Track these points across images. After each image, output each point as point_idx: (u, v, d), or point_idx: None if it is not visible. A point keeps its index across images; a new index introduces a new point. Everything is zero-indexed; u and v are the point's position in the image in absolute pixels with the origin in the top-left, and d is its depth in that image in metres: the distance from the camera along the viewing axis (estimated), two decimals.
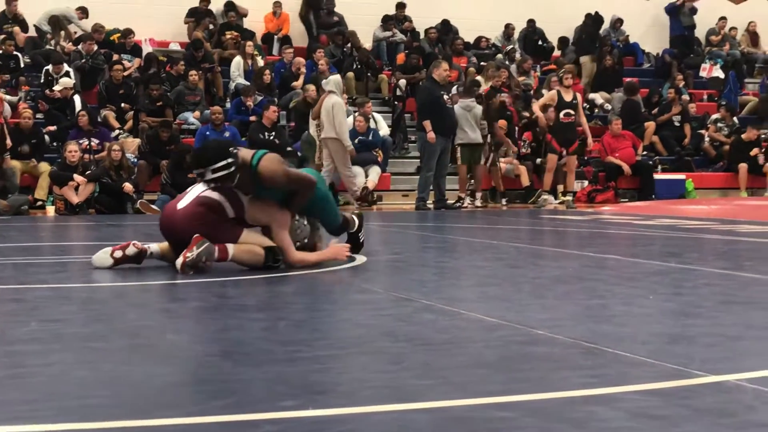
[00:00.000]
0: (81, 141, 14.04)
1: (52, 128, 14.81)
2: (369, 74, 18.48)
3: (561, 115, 14.67)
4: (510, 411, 2.67)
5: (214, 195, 5.92)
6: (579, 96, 15.17)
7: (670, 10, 21.28)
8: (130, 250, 6.10)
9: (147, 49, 17.79)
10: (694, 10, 21.22)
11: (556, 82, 17.70)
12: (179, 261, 5.75)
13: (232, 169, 5.78)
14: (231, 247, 5.88)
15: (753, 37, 22.23)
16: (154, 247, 6.20)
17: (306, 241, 6.32)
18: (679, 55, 20.92)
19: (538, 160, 15.91)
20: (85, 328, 4.20)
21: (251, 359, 3.45)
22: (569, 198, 14.96)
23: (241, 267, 5.93)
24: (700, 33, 21.83)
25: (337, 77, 14.91)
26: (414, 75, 17.78)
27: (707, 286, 5.63)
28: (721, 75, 20.58)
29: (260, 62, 17.68)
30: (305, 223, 6.30)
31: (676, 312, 4.64)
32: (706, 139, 18.21)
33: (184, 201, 6.01)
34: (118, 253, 6.07)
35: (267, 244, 5.94)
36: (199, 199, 5.93)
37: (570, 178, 15.11)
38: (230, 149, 5.86)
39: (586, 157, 16.96)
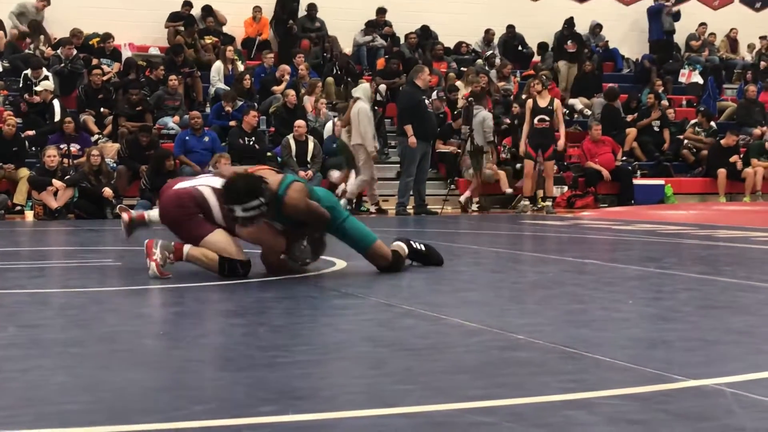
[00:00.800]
0: (61, 146, 14.01)
1: (31, 133, 14.73)
2: (349, 79, 18.48)
3: (535, 120, 14.76)
4: (489, 416, 2.67)
5: (212, 198, 5.91)
6: (557, 102, 15.22)
7: (653, 11, 21.34)
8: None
9: (126, 53, 17.72)
10: (676, 16, 21.31)
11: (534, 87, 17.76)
12: (153, 269, 5.75)
13: (263, 209, 5.61)
14: (187, 248, 5.90)
15: (732, 43, 22.36)
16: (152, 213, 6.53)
17: (308, 263, 6.19)
18: (658, 61, 21.01)
19: (518, 166, 15.95)
20: (63, 333, 4.18)
21: (231, 364, 3.45)
22: (548, 203, 15.00)
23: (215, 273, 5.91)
24: (680, 39, 21.93)
25: (366, 85, 15.39)
26: (394, 80, 17.79)
27: (686, 291, 5.65)
28: (700, 81, 20.68)
29: (240, 67, 17.67)
30: (305, 243, 6.17)
31: (655, 317, 4.65)
32: (685, 142, 18.27)
33: (184, 184, 6.08)
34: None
35: (227, 253, 5.88)
36: (195, 191, 5.95)
37: (548, 184, 15.15)
38: (262, 186, 5.59)
39: (565, 162, 17.03)
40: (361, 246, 6.16)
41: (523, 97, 17.00)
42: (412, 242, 6.48)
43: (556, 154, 15.32)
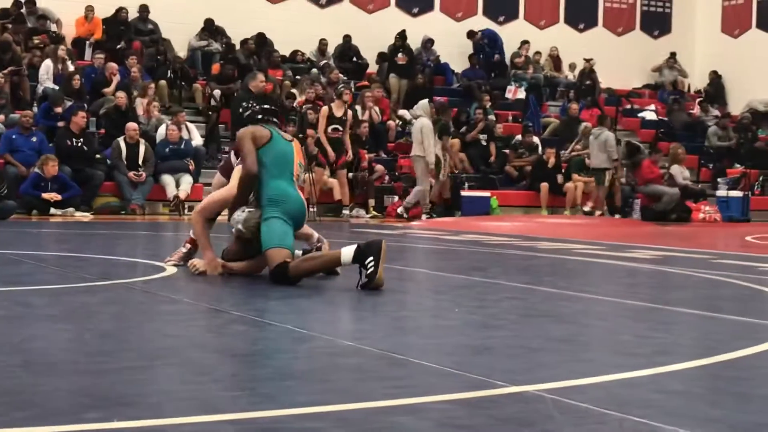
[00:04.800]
0: None
1: None
2: (183, 83, 18.25)
3: (329, 129, 15.11)
4: (317, 421, 2.67)
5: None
6: (350, 112, 15.52)
7: (488, 34, 21.89)
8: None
9: None
10: (495, 45, 21.89)
11: (369, 97, 17.96)
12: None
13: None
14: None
15: (556, 61, 23.03)
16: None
17: (240, 230, 6.12)
18: (482, 77, 21.44)
19: (350, 175, 16.07)
20: None
21: (55, 370, 3.34)
22: (345, 211, 15.61)
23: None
24: (506, 56, 22.44)
25: (425, 102, 16.45)
26: (229, 85, 17.63)
27: (509, 300, 5.76)
28: (524, 97, 21.22)
29: (71, 67, 17.20)
30: (245, 210, 6.12)
31: (480, 324, 4.73)
32: (509, 165, 18.70)
33: None
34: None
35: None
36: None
37: (343, 191, 15.65)
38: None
39: (396, 173, 17.26)
40: (264, 246, 5.99)
41: (357, 107, 17.18)
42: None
43: (348, 163, 15.77)
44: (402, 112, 19.44)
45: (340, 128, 15.17)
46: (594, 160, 16.97)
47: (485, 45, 21.81)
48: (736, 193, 19.03)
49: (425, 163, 15.54)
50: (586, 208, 17.13)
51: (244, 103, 6.57)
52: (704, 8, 24.43)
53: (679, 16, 24.62)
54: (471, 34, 21.66)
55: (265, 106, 6.42)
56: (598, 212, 16.99)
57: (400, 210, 15.93)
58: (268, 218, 5.99)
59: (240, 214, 6.13)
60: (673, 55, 23.77)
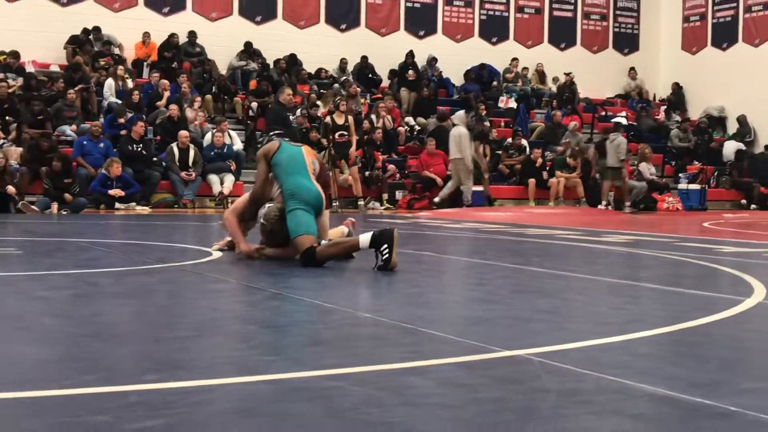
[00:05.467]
0: None
1: None
2: (225, 97, 18.27)
3: (336, 135, 15.14)
4: (340, 381, 2.67)
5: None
6: (351, 119, 15.59)
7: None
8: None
9: (30, 69, 17.10)
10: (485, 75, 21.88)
11: (382, 107, 17.95)
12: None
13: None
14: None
15: (541, 76, 22.97)
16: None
17: (270, 222, 6.11)
18: (478, 89, 21.40)
19: (366, 173, 16.08)
20: None
21: (120, 339, 3.35)
22: (361, 203, 15.56)
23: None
24: (497, 70, 22.40)
25: (461, 113, 17.05)
26: (264, 99, 17.64)
27: (503, 278, 5.75)
28: (515, 106, 21.18)
29: (130, 84, 17.24)
30: (274, 212, 6.12)
31: (478, 299, 4.73)
32: (502, 164, 18.66)
33: None
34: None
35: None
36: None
37: (356, 186, 15.64)
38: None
39: (405, 171, 17.25)
40: (292, 234, 5.99)
41: (372, 116, 17.16)
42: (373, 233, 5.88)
43: (356, 161, 15.81)
44: (408, 119, 19.45)
45: (345, 133, 15.20)
46: (610, 160, 17.05)
47: (482, 76, 21.83)
48: (695, 186, 18.98)
49: (465, 165, 15.89)
50: (606, 202, 17.24)
51: (262, 137, 6.99)
52: (667, 29, 24.37)
53: (645, 37, 24.53)
54: (467, 74, 21.62)
55: (276, 131, 6.78)
56: (627, 204, 17.13)
57: (437, 200, 16.28)
58: (292, 210, 6.01)
59: (262, 210, 6.24)
60: (632, 68, 23.84)
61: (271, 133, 6.67)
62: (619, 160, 17.04)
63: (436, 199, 16.33)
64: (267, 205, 6.23)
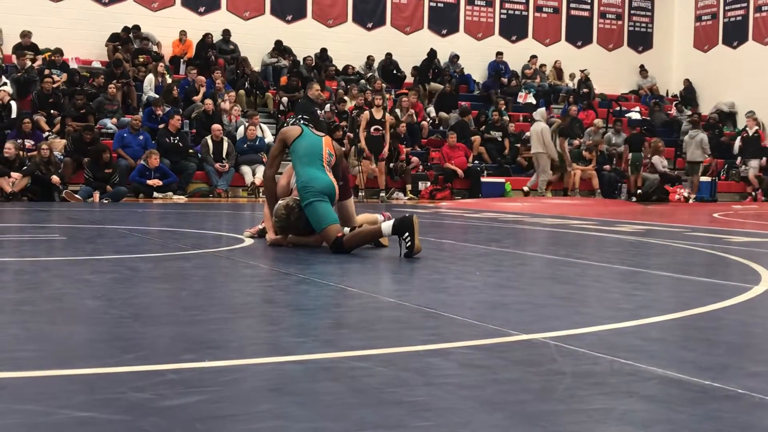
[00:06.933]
0: (18, 141, 13.62)
1: None
2: (257, 92, 18.31)
3: (371, 129, 15.08)
4: (366, 362, 2.68)
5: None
6: (388, 116, 15.47)
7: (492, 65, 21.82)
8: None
9: (73, 65, 17.23)
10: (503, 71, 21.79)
11: (406, 102, 17.92)
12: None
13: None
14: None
15: (558, 72, 22.85)
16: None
17: (283, 216, 6.14)
18: (498, 86, 21.32)
19: (391, 165, 16.08)
20: (17, 294, 4.04)
21: (157, 321, 3.38)
22: (383, 194, 15.49)
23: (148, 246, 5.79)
24: (517, 67, 22.33)
25: (542, 110, 17.35)
26: (294, 94, 17.67)
27: (520, 265, 5.74)
28: (534, 101, 21.09)
29: (168, 80, 17.32)
30: (281, 210, 6.15)
31: (497, 285, 4.72)
32: (520, 157, 18.60)
33: None
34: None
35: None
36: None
37: (380, 179, 15.57)
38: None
39: (428, 163, 17.22)
40: (316, 228, 6.03)
41: (396, 110, 17.13)
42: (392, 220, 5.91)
43: (388, 156, 15.72)
44: (430, 109, 19.48)
45: (381, 128, 15.18)
46: (690, 155, 17.14)
47: (500, 71, 21.77)
48: (706, 179, 18.81)
49: (548, 158, 16.27)
50: (686, 193, 17.35)
51: (289, 119, 6.85)
52: (680, 28, 24.16)
53: (659, 35, 24.34)
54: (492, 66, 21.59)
55: (301, 115, 6.75)
56: (692, 196, 17.16)
57: (525, 188, 16.74)
58: (309, 202, 6.02)
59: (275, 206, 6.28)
60: (643, 67, 23.71)
61: (298, 116, 6.66)
62: (706, 154, 17.15)
63: (524, 188, 16.77)
64: (280, 201, 6.23)
